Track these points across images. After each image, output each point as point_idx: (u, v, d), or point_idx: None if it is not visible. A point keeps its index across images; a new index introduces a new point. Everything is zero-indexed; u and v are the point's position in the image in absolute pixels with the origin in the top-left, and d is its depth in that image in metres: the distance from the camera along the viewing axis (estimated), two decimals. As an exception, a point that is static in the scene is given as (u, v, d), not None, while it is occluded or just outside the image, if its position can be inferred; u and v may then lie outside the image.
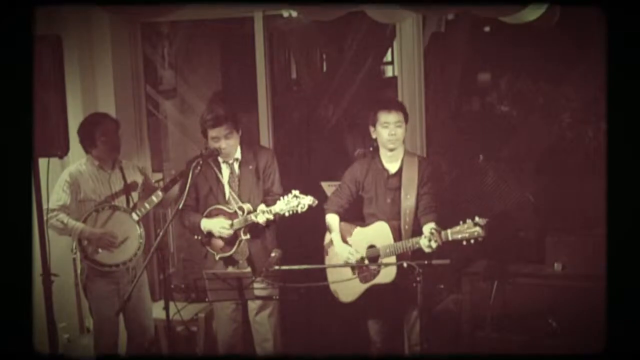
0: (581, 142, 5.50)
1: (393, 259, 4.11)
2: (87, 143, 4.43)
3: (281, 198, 4.12)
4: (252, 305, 4.45)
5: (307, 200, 4.05)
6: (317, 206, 4.53)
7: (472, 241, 3.82)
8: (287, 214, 4.11)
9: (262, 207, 4.20)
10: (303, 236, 4.95)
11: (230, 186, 4.40)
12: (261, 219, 4.18)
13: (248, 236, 4.32)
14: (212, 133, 4.29)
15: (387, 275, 4.14)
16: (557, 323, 4.65)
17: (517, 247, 5.20)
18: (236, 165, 4.42)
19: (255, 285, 3.99)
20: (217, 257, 4.41)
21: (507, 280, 4.83)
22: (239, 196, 4.36)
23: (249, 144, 4.54)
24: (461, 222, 3.85)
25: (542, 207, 5.36)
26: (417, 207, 4.18)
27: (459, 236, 3.84)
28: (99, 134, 4.40)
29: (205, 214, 4.40)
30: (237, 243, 4.35)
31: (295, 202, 4.05)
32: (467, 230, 3.81)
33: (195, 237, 4.48)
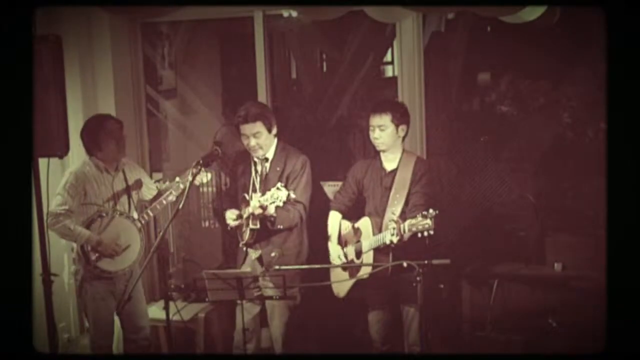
0: (581, 142, 5.49)
1: (389, 257, 4.12)
2: (93, 145, 4.36)
3: (269, 190, 4.15)
4: (268, 304, 4.54)
5: (282, 194, 4.06)
6: (319, 207, 4.56)
7: (425, 233, 3.81)
8: (271, 206, 4.13)
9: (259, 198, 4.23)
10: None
11: (259, 181, 4.46)
12: (252, 205, 4.21)
13: (257, 225, 4.31)
14: (242, 129, 4.37)
15: (364, 271, 4.20)
16: (557, 323, 4.65)
17: (517, 247, 5.20)
18: (267, 165, 4.47)
19: (263, 285, 4.02)
20: (241, 244, 4.49)
21: (491, 281, 4.84)
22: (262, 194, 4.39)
23: (285, 146, 4.55)
24: (417, 215, 3.85)
25: (542, 207, 5.36)
26: (406, 205, 4.19)
27: (414, 229, 3.84)
28: (105, 136, 4.34)
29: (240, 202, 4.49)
30: (247, 231, 4.38)
31: (276, 194, 4.07)
32: (420, 223, 3.80)
33: (228, 228, 4.56)
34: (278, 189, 4.07)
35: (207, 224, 6.08)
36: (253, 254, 4.49)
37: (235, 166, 4.63)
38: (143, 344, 4.57)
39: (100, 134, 4.34)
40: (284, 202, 4.10)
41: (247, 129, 4.34)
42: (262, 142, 4.39)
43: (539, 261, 5.01)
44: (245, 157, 4.55)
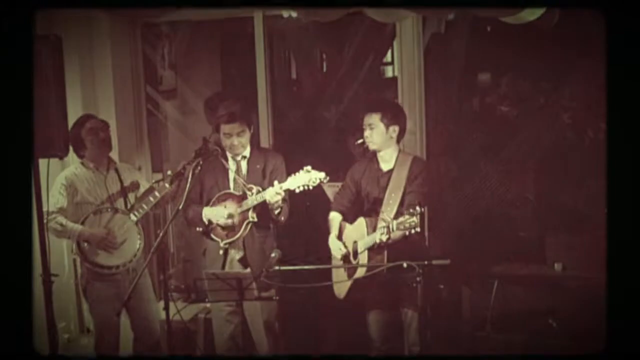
0: (581, 142, 5.50)
1: (384, 256, 4.11)
2: (77, 146, 4.41)
3: (293, 175, 4.11)
4: (249, 310, 4.44)
5: (319, 175, 4.02)
6: (320, 207, 4.54)
7: (412, 231, 3.79)
8: (297, 190, 4.08)
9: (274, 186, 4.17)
10: (306, 235, 4.96)
11: (237, 178, 4.40)
12: (270, 193, 4.15)
13: (255, 218, 4.30)
14: (225, 129, 4.32)
15: (360, 271, 4.19)
16: (557, 323, 4.65)
17: (517, 247, 5.20)
18: (244, 163, 4.43)
19: (255, 285, 4.00)
20: (222, 244, 4.38)
21: (491, 281, 4.84)
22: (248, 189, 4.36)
23: (258, 145, 4.54)
24: (405, 213, 3.83)
25: (542, 207, 5.36)
26: (402, 205, 4.19)
27: (401, 227, 3.82)
28: (85, 133, 4.40)
29: (213, 200, 4.41)
30: (243, 226, 4.33)
31: (307, 177, 4.03)
32: (407, 220, 3.79)
33: (198, 229, 4.48)
34: (308, 171, 4.03)
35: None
36: (236, 255, 4.42)
37: (203, 168, 4.32)
38: (152, 346, 4.58)
39: (81, 134, 4.40)
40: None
41: (231, 128, 4.30)
42: (245, 141, 4.37)
43: (539, 261, 5.01)
44: (213, 158, 4.39)
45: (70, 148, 4.23)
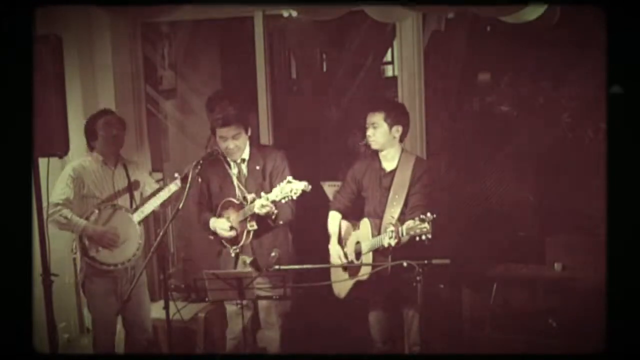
0: (581, 142, 5.50)
1: (389, 259, 4.11)
2: (90, 136, 4.43)
3: (277, 185, 4.12)
4: (261, 306, 4.47)
5: (299, 185, 4.01)
6: (321, 206, 4.53)
7: (423, 237, 3.77)
8: (283, 201, 4.09)
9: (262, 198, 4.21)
10: (306, 235, 4.95)
11: (239, 182, 4.41)
12: (257, 205, 4.16)
13: (255, 226, 4.30)
14: (220, 132, 4.32)
15: (364, 272, 4.19)
16: (557, 323, 4.65)
17: (517, 247, 5.20)
18: (243, 165, 4.44)
19: (256, 285, 4.00)
20: (232, 250, 4.41)
21: (491, 281, 4.84)
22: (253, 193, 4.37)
23: (259, 144, 4.54)
24: (415, 219, 3.81)
25: (542, 207, 5.36)
26: (406, 206, 4.18)
27: (412, 232, 3.80)
28: (100, 127, 4.40)
29: (219, 207, 4.44)
30: (245, 234, 4.34)
31: (288, 188, 4.03)
32: (418, 226, 3.77)
33: (210, 237, 4.51)
34: (289, 182, 4.03)
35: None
36: (246, 259, 4.40)
37: (204, 173, 4.39)
38: (144, 344, 4.59)
39: (95, 126, 4.41)
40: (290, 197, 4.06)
41: (227, 131, 4.29)
42: (241, 144, 4.36)
43: (539, 261, 5.01)
44: (215, 162, 4.42)
45: (72, 144, 4.22)
